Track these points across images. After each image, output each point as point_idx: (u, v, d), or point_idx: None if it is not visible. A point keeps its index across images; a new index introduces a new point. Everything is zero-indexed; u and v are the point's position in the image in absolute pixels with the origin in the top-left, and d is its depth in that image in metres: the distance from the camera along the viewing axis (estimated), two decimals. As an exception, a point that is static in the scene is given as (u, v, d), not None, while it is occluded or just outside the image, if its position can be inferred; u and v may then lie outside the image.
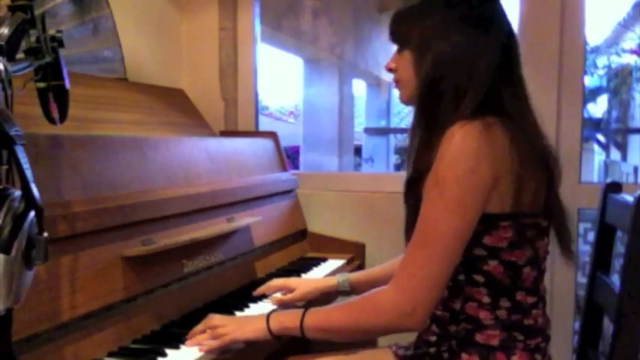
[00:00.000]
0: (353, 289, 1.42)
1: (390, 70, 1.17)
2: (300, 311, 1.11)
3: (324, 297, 1.46)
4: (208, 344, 1.11)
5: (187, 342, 1.14)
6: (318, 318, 1.09)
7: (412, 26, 1.10)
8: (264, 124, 2.36)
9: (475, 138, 0.99)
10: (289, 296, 1.41)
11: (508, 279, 1.05)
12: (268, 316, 1.12)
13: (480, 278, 1.06)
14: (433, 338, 1.11)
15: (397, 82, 1.17)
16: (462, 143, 0.99)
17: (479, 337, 1.06)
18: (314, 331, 1.09)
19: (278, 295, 1.44)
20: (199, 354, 1.11)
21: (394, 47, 1.18)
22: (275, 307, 1.39)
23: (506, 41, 1.09)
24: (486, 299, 1.06)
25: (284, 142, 2.12)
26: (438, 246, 0.99)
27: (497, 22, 1.09)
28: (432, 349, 1.10)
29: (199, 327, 1.16)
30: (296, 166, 4.66)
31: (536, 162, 1.05)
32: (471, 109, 1.02)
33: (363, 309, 1.06)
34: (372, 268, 1.52)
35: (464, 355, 1.06)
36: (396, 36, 1.16)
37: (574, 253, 1.15)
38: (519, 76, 1.11)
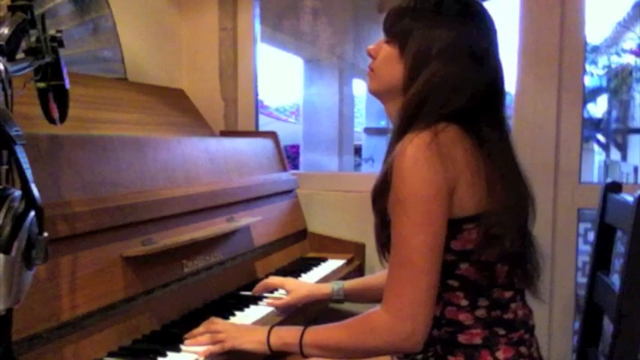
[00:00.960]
0: (347, 297, 1.43)
1: (370, 55, 1.16)
2: (300, 328, 1.11)
3: (317, 303, 1.47)
4: (207, 349, 1.12)
5: (186, 342, 1.14)
6: (317, 336, 1.10)
7: (414, 29, 1.08)
8: (265, 124, 2.36)
9: (425, 148, 0.99)
10: (283, 300, 1.41)
11: (483, 278, 1.06)
12: (270, 330, 1.14)
13: (454, 283, 1.06)
14: None
15: (371, 71, 1.15)
16: (414, 157, 0.99)
17: (462, 338, 1.06)
18: (312, 349, 1.10)
19: (274, 295, 1.45)
20: (199, 355, 1.11)
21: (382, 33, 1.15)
22: (272, 308, 1.39)
23: (493, 80, 1.09)
24: (464, 302, 1.06)
25: (284, 142, 2.11)
26: (417, 261, 0.99)
27: (492, 58, 1.09)
28: (419, 356, 1.11)
29: (200, 329, 1.17)
30: (296, 166, 4.66)
31: (494, 163, 1.05)
32: (435, 120, 1.03)
33: (361, 331, 1.06)
34: (367, 276, 1.53)
35: (450, 358, 1.06)
36: (392, 28, 1.13)
37: (538, 290, 1.13)
38: (502, 117, 1.11)
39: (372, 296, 1.39)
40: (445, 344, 1.07)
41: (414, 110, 1.06)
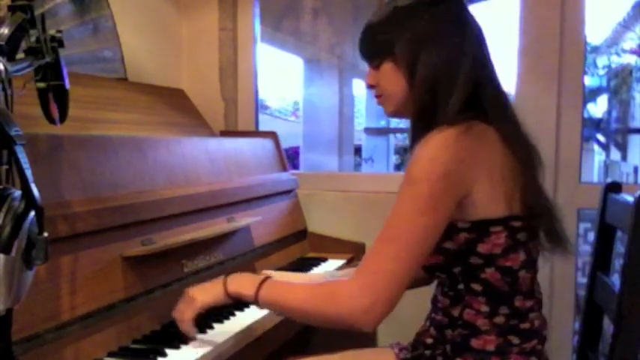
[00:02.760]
0: None
1: (371, 86, 1.16)
2: (258, 279, 1.10)
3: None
4: (187, 317, 1.13)
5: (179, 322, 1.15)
6: (274, 291, 1.08)
7: (393, 35, 1.09)
8: (264, 123, 2.36)
9: (452, 143, 0.98)
10: None
11: (506, 285, 1.05)
12: (226, 277, 1.13)
13: (478, 287, 1.05)
14: (429, 341, 1.12)
15: (379, 97, 1.16)
16: (438, 147, 0.98)
17: (474, 343, 1.05)
18: (268, 304, 1.08)
19: None
20: (199, 354, 1.11)
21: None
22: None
23: (479, 39, 1.10)
24: (484, 308, 1.06)
25: (284, 143, 2.11)
26: (404, 244, 0.98)
27: (469, 20, 1.10)
28: (427, 352, 1.10)
29: (181, 303, 1.17)
30: (296, 167, 4.66)
31: (521, 161, 1.05)
32: (455, 110, 1.02)
33: (322, 296, 1.03)
34: None
35: None
36: (373, 50, 1.14)
37: (570, 246, 1.13)
38: (494, 70, 1.11)
39: None
40: (456, 346, 1.07)
41: (428, 100, 1.05)
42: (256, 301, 1.09)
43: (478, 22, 1.11)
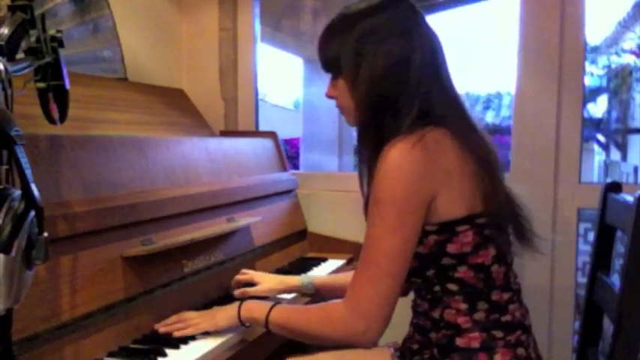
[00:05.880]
0: (317, 292, 1.46)
1: (330, 97, 1.17)
2: (268, 305, 1.16)
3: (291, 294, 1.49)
4: (182, 331, 1.18)
5: (160, 328, 1.20)
6: (281, 315, 1.14)
7: (340, 50, 1.08)
8: (262, 110, 2.33)
9: (408, 154, 0.99)
10: (253, 289, 1.43)
11: (480, 281, 1.06)
12: (241, 304, 1.19)
13: (453, 287, 1.06)
14: (415, 346, 1.13)
15: (340, 109, 1.16)
16: (396, 161, 0.99)
17: (459, 342, 1.06)
18: (275, 327, 1.14)
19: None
20: (199, 353, 1.11)
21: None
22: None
23: (430, 44, 1.09)
24: (463, 306, 1.06)
25: (283, 134, 2.10)
26: (383, 264, 1.01)
27: (417, 26, 1.08)
28: (416, 357, 1.11)
29: (172, 318, 1.23)
30: (296, 166, 4.66)
31: (478, 163, 1.05)
32: (408, 122, 1.03)
33: (320, 320, 1.09)
34: (337, 274, 1.55)
35: None
36: (325, 64, 1.15)
37: (538, 243, 1.13)
38: (447, 76, 1.10)
39: (341, 294, 1.41)
40: (442, 348, 1.07)
41: (371, 113, 1.06)
42: (266, 325, 1.15)
43: (429, 25, 1.10)
